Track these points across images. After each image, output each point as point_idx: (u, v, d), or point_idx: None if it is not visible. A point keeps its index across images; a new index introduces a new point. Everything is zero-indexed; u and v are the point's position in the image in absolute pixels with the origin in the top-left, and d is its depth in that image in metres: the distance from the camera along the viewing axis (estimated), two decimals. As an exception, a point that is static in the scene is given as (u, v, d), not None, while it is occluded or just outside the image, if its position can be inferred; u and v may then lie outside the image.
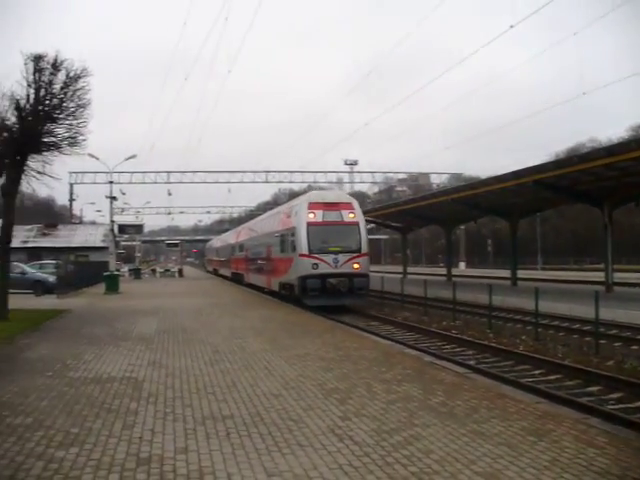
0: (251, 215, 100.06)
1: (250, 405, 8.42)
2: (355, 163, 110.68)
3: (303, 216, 27.93)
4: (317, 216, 27.86)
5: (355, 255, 27.53)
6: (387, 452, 6.38)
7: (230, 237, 60.95)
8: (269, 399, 8.78)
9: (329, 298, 26.67)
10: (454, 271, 49.51)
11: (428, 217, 46.14)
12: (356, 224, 28.11)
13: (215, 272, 74.92)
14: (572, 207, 77.11)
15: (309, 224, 27.55)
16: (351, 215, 28.21)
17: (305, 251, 27.23)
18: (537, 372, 14.03)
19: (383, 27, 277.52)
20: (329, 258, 27.12)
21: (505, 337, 18.88)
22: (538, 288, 19.69)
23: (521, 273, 40.50)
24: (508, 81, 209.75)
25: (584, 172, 25.61)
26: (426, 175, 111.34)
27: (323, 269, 26.91)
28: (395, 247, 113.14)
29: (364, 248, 28.01)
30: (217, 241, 79.53)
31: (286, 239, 29.80)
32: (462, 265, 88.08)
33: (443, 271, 50.69)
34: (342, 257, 27.19)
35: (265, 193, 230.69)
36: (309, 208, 28.13)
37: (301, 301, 26.95)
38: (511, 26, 24.46)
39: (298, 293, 27.40)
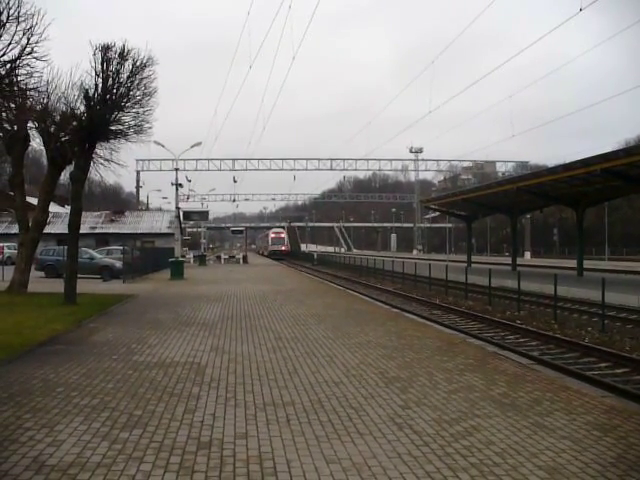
0: (315, 203, 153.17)
1: (311, 392, 8.45)
2: (420, 151, 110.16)
3: (270, 235, 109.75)
4: (274, 234, 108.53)
5: (283, 245, 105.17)
6: (447, 442, 6.32)
7: (259, 236, 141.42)
8: (330, 387, 8.79)
9: (277, 256, 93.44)
10: (519, 261, 48.82)
11: (493, 206, 45.59)
12: (284, 237, 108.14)
13: (258, 252, 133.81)
14: (643, 196, 75.31)
15: (272, 237, 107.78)
16: (283, 235, 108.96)
17: (270, 244, 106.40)
18: (603, 365, 13.70)
19: (442, 10, 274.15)
20: (276, 246, 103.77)
21: (570, 328, 18.52)
22: (605, 279, 19.26)
23: (588, 263, 39.65)
24: (576, 66, 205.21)
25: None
26: (492, 163, 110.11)
27: (275, 248, 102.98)
28: (460, 236, 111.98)
29: (286, 244, 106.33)
30: (258, 237, 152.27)
31: (267, 241, 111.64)
32: (527, 255, 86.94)
33: (508, 260, 50.02)
34: (279, 246, 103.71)
35: (330, 180, 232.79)
36: (272, 233, 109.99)
37: (270, 257, 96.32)
38: (580, 9, 23.78)
39: (269, 255, 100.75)
